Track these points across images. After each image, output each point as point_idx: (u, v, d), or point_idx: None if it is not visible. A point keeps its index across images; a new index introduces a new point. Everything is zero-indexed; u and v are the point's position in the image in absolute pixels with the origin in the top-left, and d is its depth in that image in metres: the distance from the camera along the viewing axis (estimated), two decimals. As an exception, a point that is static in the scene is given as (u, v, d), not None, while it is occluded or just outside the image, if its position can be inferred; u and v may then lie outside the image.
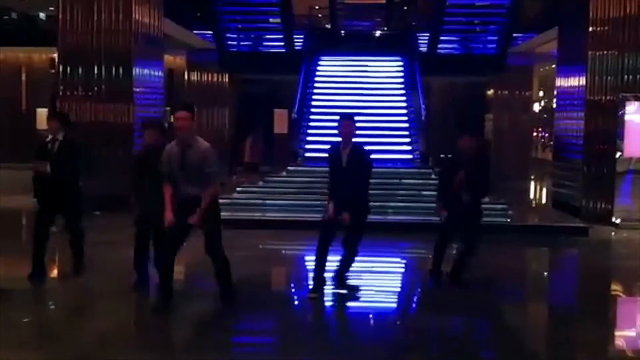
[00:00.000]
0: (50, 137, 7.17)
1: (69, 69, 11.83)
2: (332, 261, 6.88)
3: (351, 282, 7.14)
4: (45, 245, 7.14)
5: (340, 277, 6.86)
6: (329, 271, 6.87)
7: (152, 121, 7.62)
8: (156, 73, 12.85)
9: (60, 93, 12.00)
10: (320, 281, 6.71)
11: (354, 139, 6.72)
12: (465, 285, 7.02)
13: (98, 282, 7.12)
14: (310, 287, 6.75)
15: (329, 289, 6.75)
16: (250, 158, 16.61)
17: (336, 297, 6.76)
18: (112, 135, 11.87)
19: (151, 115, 12.61)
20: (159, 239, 6.51)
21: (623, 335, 6.20)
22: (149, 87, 12.53)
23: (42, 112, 21.25)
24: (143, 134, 6.92)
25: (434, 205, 7.94)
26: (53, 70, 17.44)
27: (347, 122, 6.67)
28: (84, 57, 11.77)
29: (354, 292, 6.79)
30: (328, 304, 6.77)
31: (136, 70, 11.94)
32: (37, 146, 7.35)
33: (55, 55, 12.62)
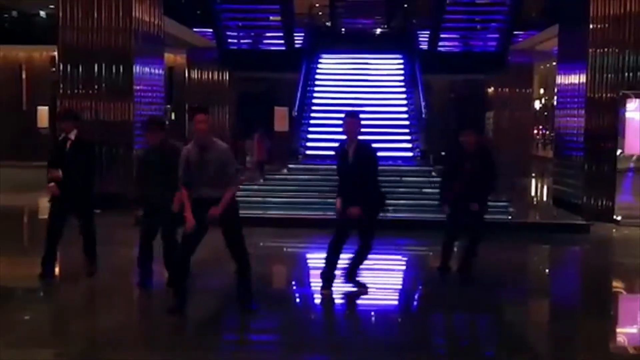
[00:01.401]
0: (62, 136, 7.11)
1: (69, 67, 11.84)
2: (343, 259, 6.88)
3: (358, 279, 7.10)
4: (57, 244, 7.09)
5: (351, 273, 6.81)
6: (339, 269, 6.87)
7: (155, 119, 7.59)
8: (156, 71, 12.85)
9: (61, 91, 12.00)
10: (330, 278, 6.72)
11: (360, 137, 6.69)
12: (472, 280, 7.03)
13: (102, 280, 7.11)
14: (320, 284, 6.74)
15: (337, 286, 6.73)
16: (258, 156, 16.58)
17: (341, 294, 6.74)
18: (112, 134, 11.87)
19: (152, 113, 12.62)
20: (171, 239, 6.55)
21: (625, 332, 6.20)
22: (149, 85, 12.53)
23: (42, 110, 21.35)
24: (146, 132, 6.90)
25: (434, 202, 7.97)
26: (53, 69, 17.48)
27: (350, 119, 6.67)
28: (84, 55, 11.77)
29: (361, 290, 6.76)
30: (329, 301, 6.77)
31: (136, 69, 11.94)
32: (51, 147, 7.31)
33: (56, 53, 12.62)
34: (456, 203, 7.06)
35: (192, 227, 5.80)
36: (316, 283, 6.86)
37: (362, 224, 6.61)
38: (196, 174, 5.84)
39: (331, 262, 6.64)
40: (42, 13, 22.17)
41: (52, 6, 14.37)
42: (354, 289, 6.73)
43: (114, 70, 11.81)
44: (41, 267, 7.06)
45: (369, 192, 6.59)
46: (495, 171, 7.25)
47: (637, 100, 11.41)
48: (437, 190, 7.76)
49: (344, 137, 6.78)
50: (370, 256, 6.82)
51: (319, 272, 6.69)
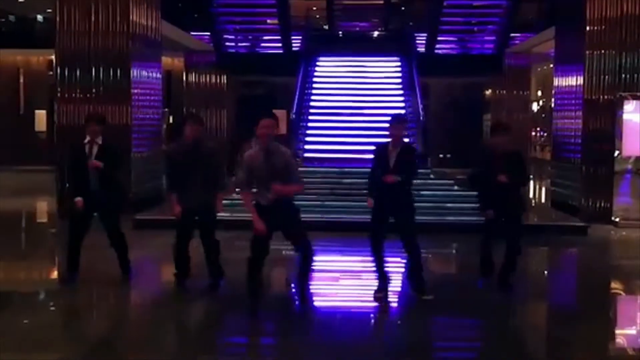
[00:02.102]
0: (88, 139, 6.99)
1: (66, 71, 11.82)
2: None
3: (354, 282, 7.10)
4: (80, 247, 7.06)
5: (417, 283, 6.71)
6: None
7: (194, 114, 7.54)
8: (154, 75, 12.84)
9: (58, 95, 11.99)
10: (384, 280, 6.78)
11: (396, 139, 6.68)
12: (511, 287, 7.00)
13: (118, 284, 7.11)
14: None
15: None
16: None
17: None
18: (110, 137, 11.81)
19: (149, 117, 12.63)
20: (213, 240, 6.72)
21: (623, 334, 6.20)
22: (146, 89, 12.52)
23: (40, 114, 21.33)
24: (185, 125, 6.86)
25: (432, 205, 7.97)
26: (51, 73, 17.46)
27: (398, 124, 6.65)
28: (82, 59, 11.75)
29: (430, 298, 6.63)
30: (327, 303, 6.77)
31: (134, 72, 11.93)
32: (72, 152, 7.18)
33: (53, 57, 12.62)
34: (496, 207, 6.94)
35: (261, 231, 5.85)
36: (315, 286, 6.85)
37: (401, 231, 6.61)
38: (262, 179, 5.89)
39: (379, 264, 6.72)
40: (40, 17, 22.16)
41: (49, 10, 14.38)
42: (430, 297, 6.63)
43: (111, 74, 11.80)
44: (67, 272, 7.04)
45: (407, 197, 6.63)
46: (527, 174, 7.18)
47: (635, 102, 11.43)
48: (439, 193, 7.73)
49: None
50: (369, 258, 6.83)
51: (316, 274, 6.70)
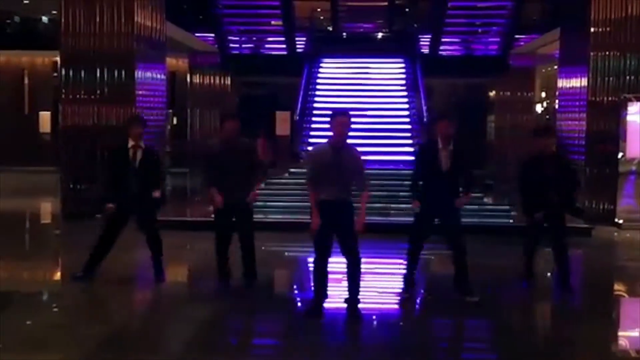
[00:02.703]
0: (131, 144, 6.93)
1: (71, 72, 11.85)
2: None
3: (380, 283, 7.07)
4: (110, 250, 7.07)
5: (463, 285, 6.62)
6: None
7: (229, 113, 7.54)
8: (158, 76, 12.87)
9: (63, 96, 12.02)
10: (411, 282, 6.80)
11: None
12: (574, 289, 7.03)
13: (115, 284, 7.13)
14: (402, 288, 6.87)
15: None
16: (264, 158, 16.60)
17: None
18: (114, 139, 11.86)
19: (154, 118, 12.63)
20: (252, 240, 6.78)
21: (626, 335, 6.20)
22: (151, 90, 12.54)
23: (44, 115, 21.39)
24: (223, 123, 6.90)
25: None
26: (55, 74, 17.50)
27: (445, 122, 6.50)
28: (86, 60, 11.79)
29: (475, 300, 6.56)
30: (332, 304, 6.78)
31: (138, 73, 11.96)
32: (115, 156, 7.10)
33: (58, 58, 12.65)
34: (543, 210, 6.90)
35: (316, 228, 5.87)
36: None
37: (449, 232, 6.59)
38: (329, 176, 5.86)
39: (413, 265, 6.78)
40: (45, 18, 22.21)
41: (54, 12, 14.42)
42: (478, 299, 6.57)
43: (116, 75, 11.82)
44: (83, 271, 7.03)
45: (458, 195, 6.57)
46: (576, 174, 7.14)
47: (639, 103, 11.41)
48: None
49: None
50: (375, 261, 6.84)
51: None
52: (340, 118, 5.91)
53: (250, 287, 6.88)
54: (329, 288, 6.21)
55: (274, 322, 6.25)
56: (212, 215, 7.11)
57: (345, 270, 6.12)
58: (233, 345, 5.64)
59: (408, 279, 6.84)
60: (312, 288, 6.21)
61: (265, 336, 5.98)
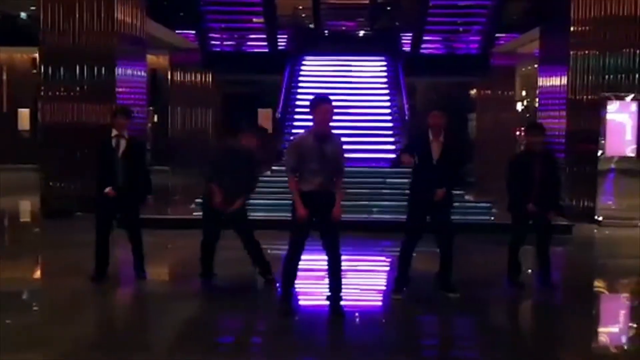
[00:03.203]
0: (114, 134, 6.91)
1: (50, 69, 11.74)
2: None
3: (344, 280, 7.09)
4: (108, 245, 7.02)
5: (446, 281, 6.62)
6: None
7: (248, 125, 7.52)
8: (139, 73, 12.77)
9: (42, 93, 11.90)
10: (403, 282, 6.65)
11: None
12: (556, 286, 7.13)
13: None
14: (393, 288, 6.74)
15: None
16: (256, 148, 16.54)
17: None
18: (94, 136, 11.76)
19: (134, 115, 12.53)
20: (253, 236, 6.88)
21: (606, 331, 6.25)
22: (131, 88, 12.45)
23: (23, 113, 21.16)
24: (240, 136, 6.93)
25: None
26: (35, 71, 17.31)
27: (436, 113, 6.46)
28: (66, 57, 11.68)
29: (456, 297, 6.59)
30: (314, 303, 6.76)
31: (119, 71, 11.87)
32: (100, 147, 7.06)
33: (37, 55, 12.52)
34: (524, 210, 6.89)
35: (303, 218, 5.77)
36: (301, 285, 6.84)
37: (439, 228, 6.54)
38: (311, 167, 5.76)
39: (405, 266, 6.63)
40: (24, 14, 21.96)
41: (33, 8, 14.26)
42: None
43: (96, 72, 11.73)
44: (95, 270, 6.98)
45: (451, 191, 6.54)
46: (560, 173, 7.16)
47: (618, 102, 11.52)
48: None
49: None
50: (355, 258, 6.81)
51: (303, 273, 6.67)
52: (324, 105, 5.78)
53: (269, 284, 6.93)
54: (310, 286, 6.18)
55: (255, 320, 6.23)
56: (201, 213, 7.16)
57: (326, 267, 6.08)
58: (216, 343, 5.61)
59: (400, 279, 6.69)
60: (281, 285, 6.13)
61: (244, 335, 5.95)
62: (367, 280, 8.14)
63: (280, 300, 6.13)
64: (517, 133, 11.42)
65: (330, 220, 5.88)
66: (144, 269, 7.17)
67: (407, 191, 6.80)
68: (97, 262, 6.99)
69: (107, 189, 6.79)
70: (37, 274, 8.30)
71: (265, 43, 18.37)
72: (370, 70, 17.67)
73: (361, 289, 7.52)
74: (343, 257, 6.03)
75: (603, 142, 11.57)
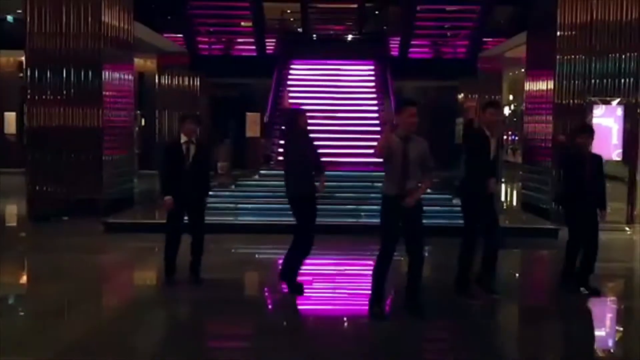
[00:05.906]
0: (184, 140, 6.92)
1: (37, 72, 11.69)
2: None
3: (328, 284, 7.07)
4: (178, 247, 7.04)
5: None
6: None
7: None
8: (126, 77, 12.74)
9: (29, 97, 11.84)
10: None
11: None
12: (596, 289, 7.15)
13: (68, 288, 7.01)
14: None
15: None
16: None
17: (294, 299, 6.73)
18: (81, 140, 11.74)
19: (121, 119, 12.50)
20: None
21: (592, 335, 6.28)
22: (119, 91, 12.42)
23: (10, 116, 21.03)
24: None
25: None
26: (21, 74, 17.21)
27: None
28: (53, 60, 11.64)
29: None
30: (303, 307, 6.76)
31: (106, 74, 11.83)
32: (169, 152, 7.04)
33: (24, 58, 12.45)
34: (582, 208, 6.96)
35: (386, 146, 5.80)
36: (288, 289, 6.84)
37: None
38: (396, 166, 5.83)
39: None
40: (10, 17, 21.83)
41: (19, 11, 14.18)
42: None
43: (82, 75, 11.69)
44: (166, 276, 7.03)
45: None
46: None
47: (604, 106, 11.61)
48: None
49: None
50: (347, 262, 6.80)
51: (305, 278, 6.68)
52: (409, 109, 5.88)
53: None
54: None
55: (244, 324, 6.22)
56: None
57: (312, 270, 6.08)
58: (203, 347, 5.60)
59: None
60: (372, 290, 6.12)
61: (234, 338, 5.94)
62: (353, 284, 8.14)
63: (371, 305, 6.10)
64: (561, 136, 11.40)
65: (416, 226, 5.93)
66: (199, 271, 7.13)
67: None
68: (166, 264, 7.04)
69: (167, 198, 6.81)
70: (22, 277, 8.23)
71: (253, 47, 18.38)
72: (359, 73, 17.71)
73: (348, 293, 7.52)
74: (330, 261, 6.02)
75: (589, 146, 11.61)
